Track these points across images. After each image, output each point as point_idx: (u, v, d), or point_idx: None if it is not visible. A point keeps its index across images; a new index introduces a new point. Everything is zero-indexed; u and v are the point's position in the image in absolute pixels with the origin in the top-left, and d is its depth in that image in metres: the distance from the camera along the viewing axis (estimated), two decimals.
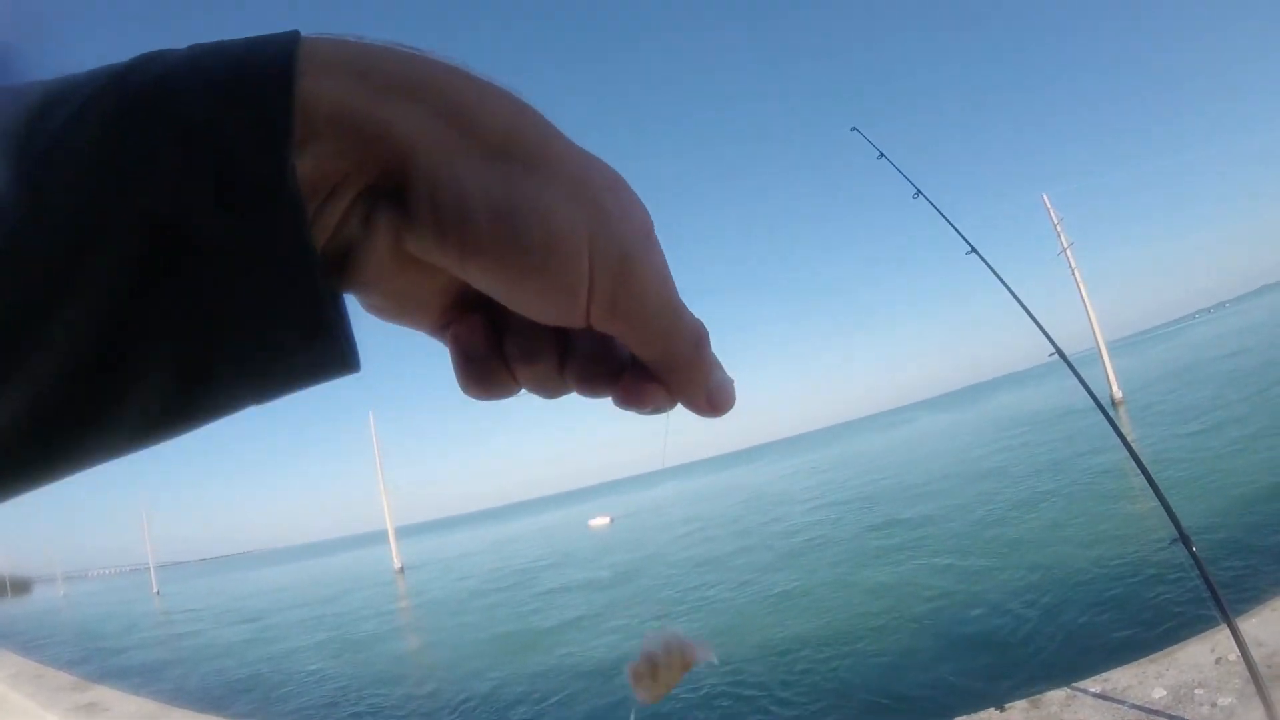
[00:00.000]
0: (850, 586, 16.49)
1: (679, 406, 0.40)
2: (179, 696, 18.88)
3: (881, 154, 4.14)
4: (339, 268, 0.33)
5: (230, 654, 26.24)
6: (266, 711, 16.59)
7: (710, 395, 0.39)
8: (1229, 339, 64.25)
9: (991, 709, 5.67)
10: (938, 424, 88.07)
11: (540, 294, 0.33)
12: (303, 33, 0.31)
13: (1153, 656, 5.68)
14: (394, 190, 0.32)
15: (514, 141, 0.33)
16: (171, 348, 0.29)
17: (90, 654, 30.18)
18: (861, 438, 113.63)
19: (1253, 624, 5.64)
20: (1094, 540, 14.06)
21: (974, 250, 3.75)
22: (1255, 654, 4.91)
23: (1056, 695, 5.54)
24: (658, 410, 0.40)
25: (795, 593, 17.38)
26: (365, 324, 0.37)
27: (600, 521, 59.82)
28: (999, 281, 3.56)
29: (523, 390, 0.40)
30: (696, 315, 0.38)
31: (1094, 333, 40.65)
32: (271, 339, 0.31)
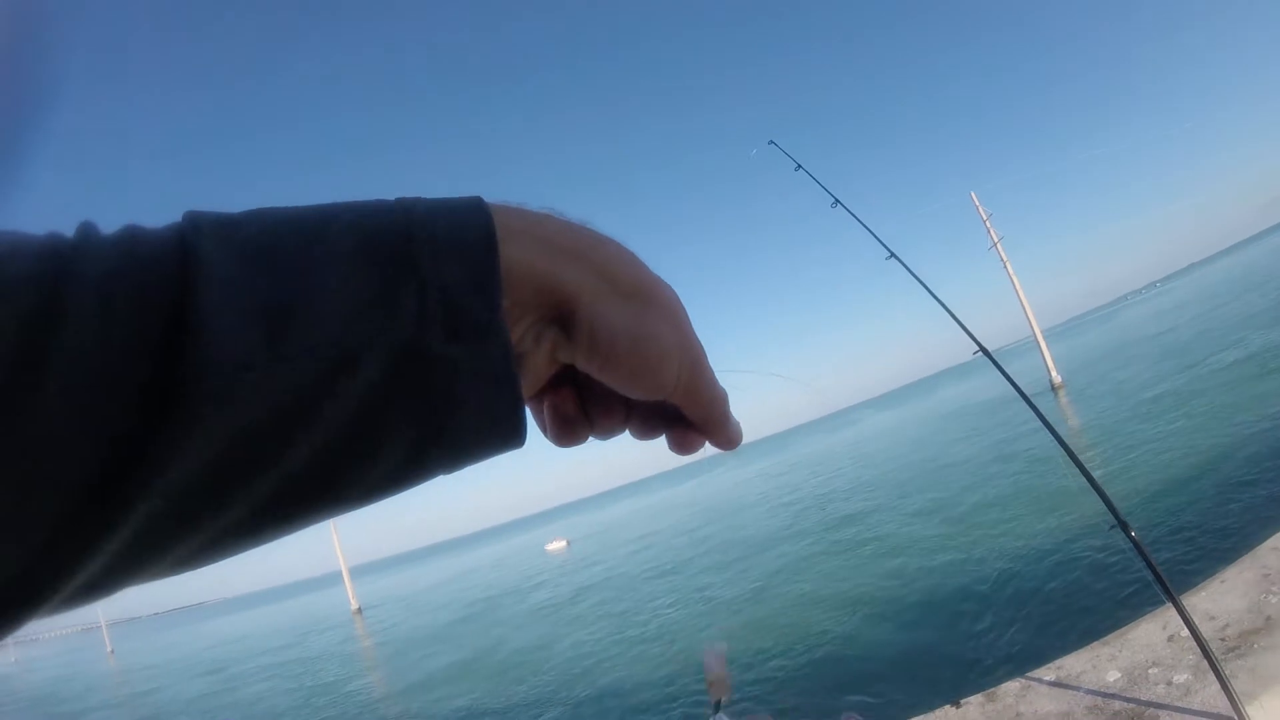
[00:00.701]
0: (803, 590, 16.55)
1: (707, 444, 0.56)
2: None
3: (799, 166, 4.16)
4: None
5: (194, 708, 25.74)
6: None
7: (731, 439, 0.55)
8: (1159, 318, 65.86)
9: (947, 706, 5.68)
10: (883, 422, 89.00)
11: (648, 387, 0.48)
12: (485, 199, 0.43)
13: (1105, 639, 5.71)
14: (558, 319, 0.45)
15: (637, 287, 0.47)
16: (404, 439, 0.40)
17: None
18: (812, 440, 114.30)
19: (1201, 598, 5.71)
20: (1040, 529, 14.25)
21: (893, 255, 3.78)
22: (1207, 628, 4.96)
23: (1011, 686, 5.55)
24: (695, 451, 0.56)
25: (750, 599, 17.43)
26: None
27: (557, 545, 59.66)
28: (920, 284, 3.59)
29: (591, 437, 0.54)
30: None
31: (1030, 322, 41.42)
32: (479, 431, 0.42)
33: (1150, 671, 5.00)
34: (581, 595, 27.78)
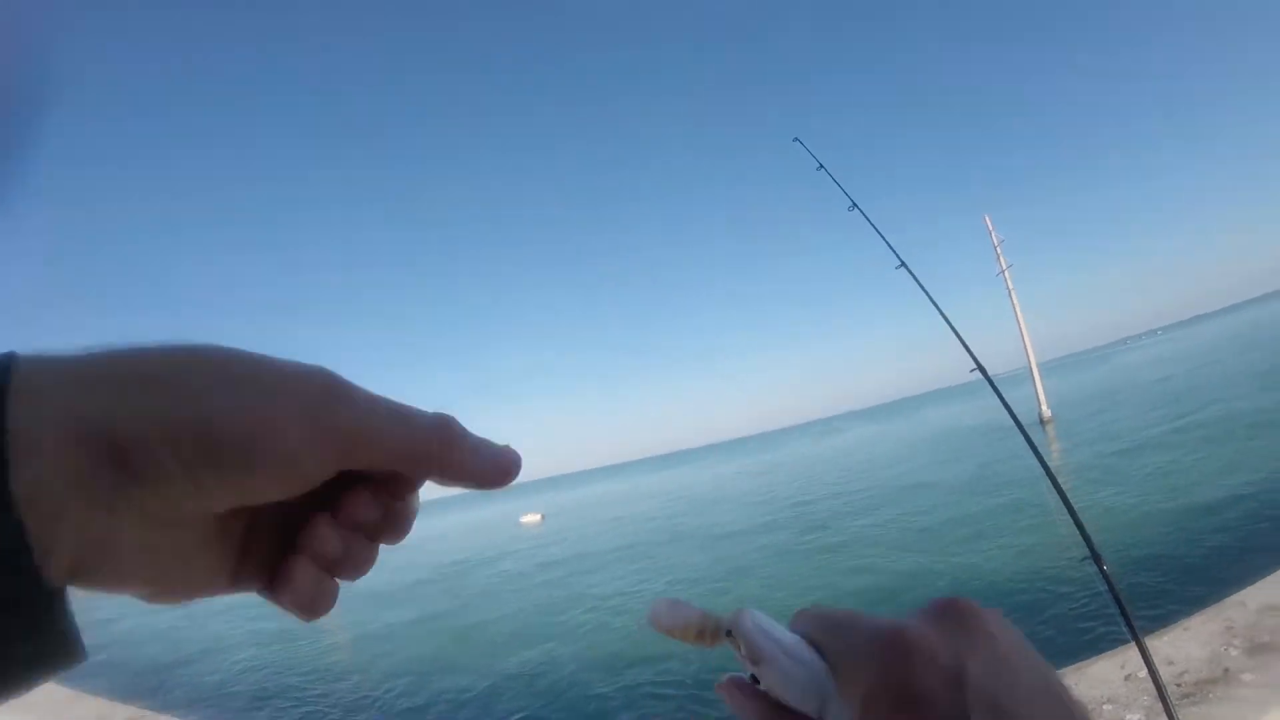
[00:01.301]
0: (758, 588, 16.60)
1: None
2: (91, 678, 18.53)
3: (821, 165, 4.17)
4: (86, 563, 0.35)
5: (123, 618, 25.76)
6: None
7: (479, 471, 0.45)
8: (1156, 365, 66.05)
9: None
10: (869, 434, 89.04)
11: (287, 483, 0.39)
12: (19, 354, 0.34)
13: (1061, 671, 5.75)
14: (128, 473, 0.35)
15: (234, 382, 0.38)
16: None
17: None
18: (796, 444, 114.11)
19: (1164, 642, 5.76)
20: (1012, 555, 14.36)
21: (903, 264, 3.79)
22: (1166, 672, 5.00)
23: None
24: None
25: (716, 592, 17.46)
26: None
27: (532, 518, 59.52)
28: (927, 297, 3.61)
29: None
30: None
31: (1027, 352, 41.45)
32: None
33: (1104, 708, 5.05)
34: (551, 568, 27.90)
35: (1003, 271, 40.90)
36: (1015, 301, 41.08)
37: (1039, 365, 41.23)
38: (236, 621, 26.90)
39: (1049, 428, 35.87)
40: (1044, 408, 38.62)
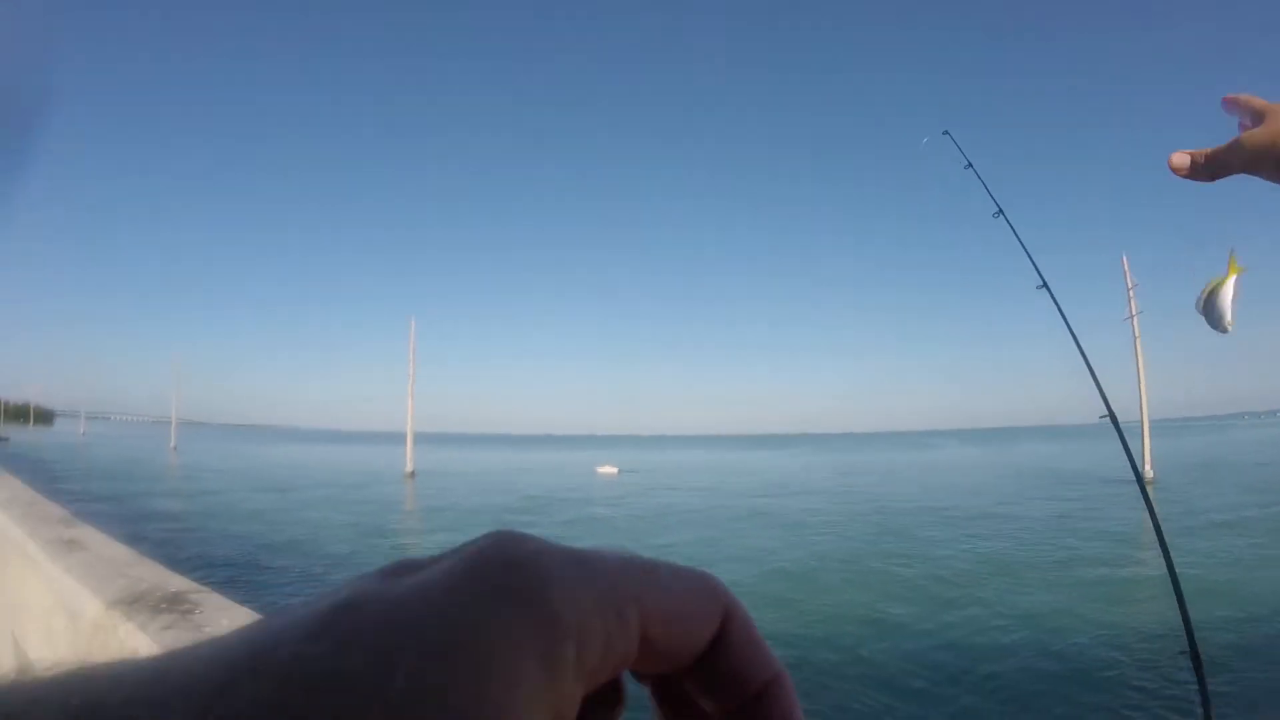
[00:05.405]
0: (838, 592, 16.20)
1: None
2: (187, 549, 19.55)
3: (970, 164, 3.85)
4: None
5: (262, 518, 27.59)
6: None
7: None
8: (1271, 447, 63.37)
9: None
10: (964, 456, 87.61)
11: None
12: None
13: None
14: None
15: None
16: None
17: (94, 495, 31.19)
18: (889, 452, 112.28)
19: None
20: (1100, 618, 13.41)
21: (1045, 285, 3.44)
22: None
23: None
24: None
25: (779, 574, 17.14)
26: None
27: (608, 470, 61.10)
28: (1063, 326, 3.26)
29: None
30: None
31: (1141, 407, 39.82)
32: None
33: None
34: (636, 521, 29.45)
35: (1131, 318, 39.25)
36: (1139, 351, 39.46)
37: (1150, 423, 39.66)
38: (333, 514, 28.68)
39: (1149, 489, 34.55)
40: (1148, 467, 37.15)
